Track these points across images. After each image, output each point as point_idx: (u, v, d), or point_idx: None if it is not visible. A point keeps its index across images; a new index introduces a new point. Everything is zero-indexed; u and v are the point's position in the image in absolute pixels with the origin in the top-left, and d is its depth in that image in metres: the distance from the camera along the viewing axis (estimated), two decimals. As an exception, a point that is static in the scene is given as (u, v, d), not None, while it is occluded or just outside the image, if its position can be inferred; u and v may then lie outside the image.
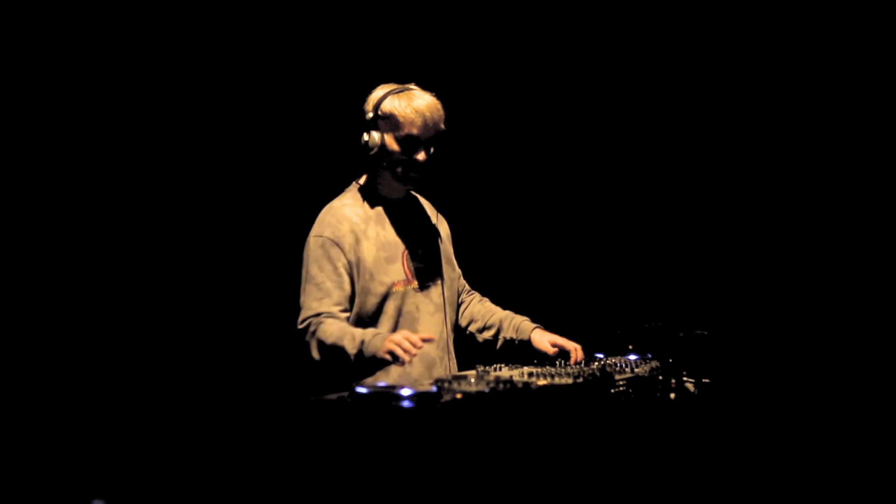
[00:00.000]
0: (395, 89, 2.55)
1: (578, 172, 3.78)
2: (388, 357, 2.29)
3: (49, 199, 3.16)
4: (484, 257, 3.03)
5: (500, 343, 2.75)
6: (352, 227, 2.53)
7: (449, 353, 2.67)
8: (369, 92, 2.60)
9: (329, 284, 2.47)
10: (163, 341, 3.28)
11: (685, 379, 2.34)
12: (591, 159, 3.77)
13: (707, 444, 2.40)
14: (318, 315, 2.45)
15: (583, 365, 2.51)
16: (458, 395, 1.99)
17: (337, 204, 2.59)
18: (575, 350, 2.64)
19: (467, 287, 2.92)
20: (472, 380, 2.13)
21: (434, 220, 2.78)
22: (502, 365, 2.48)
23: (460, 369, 2.66)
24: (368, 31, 3.59)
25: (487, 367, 2.45)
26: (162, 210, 3.34)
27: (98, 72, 3.23)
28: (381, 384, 2.07)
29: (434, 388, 2.02)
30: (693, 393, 2.36)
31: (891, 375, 3.18)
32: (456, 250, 2.82)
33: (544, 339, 2.70)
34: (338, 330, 2.41)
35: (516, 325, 2.77)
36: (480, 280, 2.96)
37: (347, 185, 2.68)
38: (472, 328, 2.83)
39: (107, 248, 3.24)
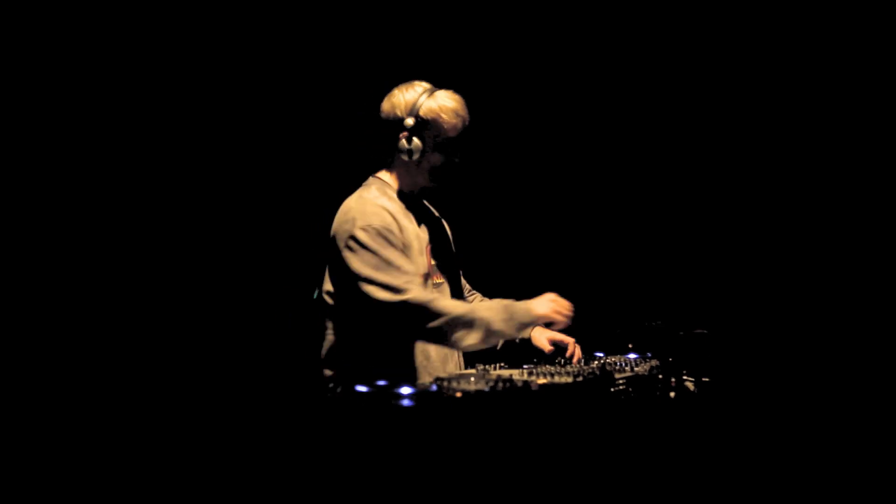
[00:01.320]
0: (423, 90, 2.58)
1: (578, 172, 3.78)
2: (542, 321, 2.41)
3: (54, 200, 3.16)
4: (484, 257, 3.04)
5: (500, 343, 2.76)
6: (392, 215, 2.54)
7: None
8: (380, 92, 2.63)
9: (404, 265, 2.47)
10: (162, 341, 3.28)
11: (685, 378, 2.34)
12: (591, 159, 3.77)
13: (707, 443, 2.39)
14: (425, 293, 2.45)
15: (582, 364, 2.51)
16: (458, 394, 1.99)
17: (368, 196, 2.59)
18: (572, 344, 2.64)
19: (468, 286, 2.93)
20: (472, 378, 2.13)
21: (441, 220, 2.82)
22: (502, 364, 2.49)
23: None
24: (360, 29, 3.59)
25: (487, 366, 2.45)
26: (163, 210, 3.34)
27: (101, 72, 3.23)
28: (382, 382, 2.07)
29: (434, 387, 2.02)
30: (693, 392, 2.36)
31: (891, 375, 3.18)
32: (456, 250, 2.85)
33: (542, 337, 2.72)
34: (462, 305, 2.45)
35: None
36: (481, 279, 2.97)
37: (360, 180, 2.69)
38: None
39: (108, 249, 3.24)
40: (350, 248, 2.48)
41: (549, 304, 2.46)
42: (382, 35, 3.60)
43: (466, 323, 2.40)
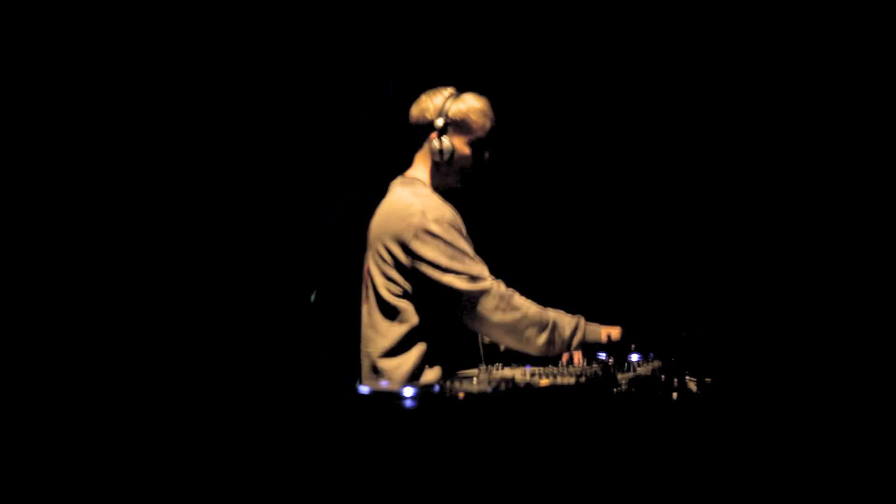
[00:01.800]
0: (449, 94, 2.69)
1: (578, 172, 3.77)
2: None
3: (53, 200, 3.15)
4: (485, 257, 3.03)
5: (503, 346, 2.76)
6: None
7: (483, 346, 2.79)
8: (410, 98, 2.74)
9: (475, 256, 2.59)
10: (161, 341, 3.27)
11: (688, 378, 2.34)
12: (591, 159, 3.77)
13: (709, 443, 2.39)
14: (499, 289, 2.55)
15: (585, 364, 2.51)
16: (461, 395, 1.99)
17: (424, 192, 2.69)
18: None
19: None
20: (475, 379, 2.12)
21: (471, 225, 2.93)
22: (504, 364, 2.49)
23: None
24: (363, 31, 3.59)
25: (490, 367, 2.45)
26: (163, 210, 3.33)
27: (101, 72, 3.22)
28: (385, 383, 2.07)
29: (436, 388, 2.02)
30: (695, 392, 2.36)
31: (891, 375, 3.18)
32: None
33: None
34: (536, 306, 2.56)
35: None
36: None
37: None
38: None
39: (107, 249, 3.23)
40: (423, 241, 2.56)
41: (616, 333, 2.62)
42: (383, 36, 3.60)
43: (541, 324, 2.54)
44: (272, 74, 3.48)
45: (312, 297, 3.11)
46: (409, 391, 1.97)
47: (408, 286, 2.61)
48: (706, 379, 2.39)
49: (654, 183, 3.72)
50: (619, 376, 2.28)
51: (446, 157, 2.66)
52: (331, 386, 2.61)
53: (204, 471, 3.02)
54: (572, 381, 2.20)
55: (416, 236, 2.57)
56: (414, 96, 2.77)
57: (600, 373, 2.26)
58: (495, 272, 3.08)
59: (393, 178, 2.79)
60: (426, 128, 2.70)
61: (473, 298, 2.53)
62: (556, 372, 2.32)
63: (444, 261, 2.54)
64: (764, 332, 3.28)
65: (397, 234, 2.60)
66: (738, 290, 3.45)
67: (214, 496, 2.97)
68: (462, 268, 2.54)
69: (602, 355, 2.65)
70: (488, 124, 2.69)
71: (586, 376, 2.24)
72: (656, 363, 2.51)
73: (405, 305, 2.62)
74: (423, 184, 2.73)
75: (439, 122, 2.66)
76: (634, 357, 2.60)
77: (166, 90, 3.31)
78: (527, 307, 2.55)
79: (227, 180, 3.44)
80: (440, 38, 3.64)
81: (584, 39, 3.73)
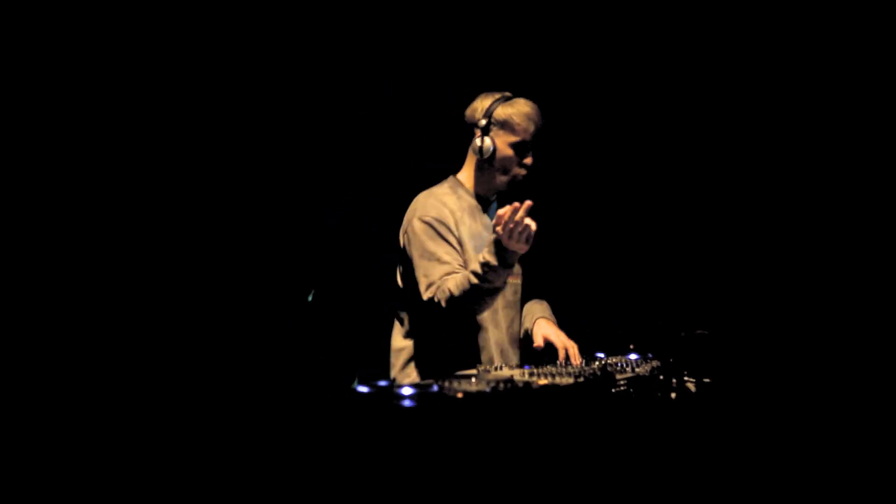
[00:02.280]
0: (500, 97, 2.77)
1: (578, 172, 3.77)
2: (507, 239, 2.41)
3: (53, 199, 3.15)
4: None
5: (521, 332, 2.87)
6: (451, 211, 2.72)
7: (518, 346, 2.84)
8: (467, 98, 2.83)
9: (447, 258, 2.63)
10: (161, 342, 3.27)
11: (686, 378, 2.35)
12: (590, 159, 3.77)
13: (708, 443, 2.39)
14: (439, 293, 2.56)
15: (583, 364, 2.51)
16: (459, 395, 1.99)
17: (437, 191, 2.80)
18: (563, 348, 2.68)
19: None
20: (473, 379, 2.13)
21: None
22: (503, 364, 2.50)
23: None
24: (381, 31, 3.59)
25: (488, 367, 2.46)
26: (163, 210, 3.33)
27: (101, 72, 3.22)
28: (383, 383, 2.07)
29: (435, 388, 2.02)
30: (694, 393, 2.36)
31: (891, 375, 3.18)
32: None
33: (538, 333, 2.78)
34: (461, 275, 2.55)
35: (532, 313, 2.90)
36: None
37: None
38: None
39: (107, 249, 3.23)
40: (407, 236, 2.70)
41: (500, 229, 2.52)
42: (383, 36, 3.60)
43: (462, 285, 2.51)
44: (272, 75, 3.48)
45: (310, 297, 3.11)
46: (407, 391, 1.97)
47: (406, 280, 2.70)
48: (704, 379, 2.39)
49: (652, 183, 3.72)
50: (618, 376, 2.29)
51: (486, 155, 2.74)
52: (330, 386, 2.62)
53: (204, 470, 3.03)
54: (571, 381, 2.20)
55: (404, 232, 2.72)
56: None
57: (598, 373, 2.26)
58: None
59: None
60: (473, 126, 2.79)
61: (433, 301, 2.56)
62: (554, 372, 2.32)
63: (415, 259, 2.65)
64: (762, 333, 3.28)
65: (403, 228, 2.76)
66: (737, 290, 3.45)
67: (214, 496, 2.97)
68: (421, 273, 2.61)
69: (601, 355, 2.66)
70: (532, 127, 2.75)
71: (585, 376, 2.24)
72: (655, 363, 2.52)
73: (402, 304, 2.73)
74: (455, 183, 2.83)
75: (483, 122, 2.74)
76: (633, 357, 2.60)
77: (166, 90, 3.30)
78: (456, 279, 2.52)
79: (227, 180, 3.43)
80: (440, 38, 3.64)
81: (585, 40, 3.72)
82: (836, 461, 2.98)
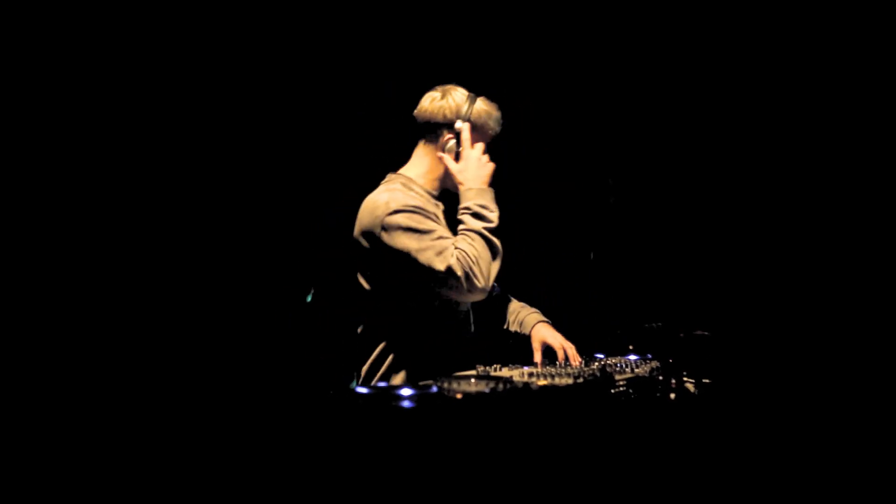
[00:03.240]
0: (468, 96, 2.68)
1: (578, 171, 3.77)
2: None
3: (53, 199, 3.15)
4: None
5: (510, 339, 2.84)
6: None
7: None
8: (412, 94, 2.76)
9: (443, 232, 2.54)
10: (161, 342, 3.27)
11: (685, 379, 2.34)
12: (590, 158, 3.77)
13: (707, 444, 2.39)
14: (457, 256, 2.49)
15: (583, 365, 2.51)
16: (458, 396, 1.99)
17: (393, 189, 2.64)
18: (561, 349, 2.66)
19: None
20: (473, 380, 2.13)
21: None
22: (502, 365, 2.49)
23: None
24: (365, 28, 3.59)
25: (487, 367, 2.45)
26: (163, 211, 3.33)
27: (102, 72, 3.22)
28: (382, 384, 2.07)
29: (434, 388, 2.02)
30: (693, 393, 2.36)
31: (891, 375, 3.18)
32: None
33: (536, 338, 2.76)
34: (459, 238, 2.53)
35: (521, 319, 2.84)
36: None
37: (362, 180, 2.80)
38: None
39: (108, 250, 3.23)
40: (390, 232, 2.51)
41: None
42: (383, 36, 3.60)
43: (481, 231, 2.53)
44: (272, 75, 3.48)
45: (309, 297, 3.11)
46: (406, 391, 1.97)
47: (383, 280, 2.58)
48: (704, 380, 2.40)
49: (651, 183, 3.72)
50: (617, 377, 2.29)
51: (450, 153, 2.65)
52: (330, 386, 2.62)
53: (203, 470, 3.03)
54: (570, 381, 2.20)
55: (381, 230, 2.53)
56: (413, 96, 2.77)
57: (598, 374, 2.26)
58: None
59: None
60: (440, 126, 2.67)
61: (452, 273, 2.45)
62: (553, 373, 2.32)
63: (414, 246, 2.48)
64: (761, 333, 3.28)
65: (370, 231, 2.56)
66: (736, 291, 3.45)
67: (214, 495, 2.97)
68: (424, 258, 2.47)
69: (600, 356, 2.66)
70: (497, 131, 2.71)
71: (584, 377, 2.25)
72: (654, 364, 2.52)
73: (372, 306, 2.62)
74: (407, 182, 2.69)
75: (458, 123, 2.64)
76: (632, 357, 2.60)
77: (166, 91, 3.30)
78: (464, 246, 2.49)
79: (227, 180, 3.43)
80: (439, 38, 3.64)
81: (582, 40, 3.72)
82: (836, 461, 2.98)
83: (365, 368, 2.65)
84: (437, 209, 2.70)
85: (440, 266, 2.45)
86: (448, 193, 2.76)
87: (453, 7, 3.65)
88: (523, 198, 3.82)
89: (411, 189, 2.67)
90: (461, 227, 2.55)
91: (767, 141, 3.52)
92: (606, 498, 2.17)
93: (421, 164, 2.73)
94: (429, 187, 2.72)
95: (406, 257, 2.49)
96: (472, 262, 2.46)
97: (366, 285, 2.61)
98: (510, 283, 3.25)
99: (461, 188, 2.61)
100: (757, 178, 3.53)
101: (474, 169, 2.62)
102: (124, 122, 3.27)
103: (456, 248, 2.48)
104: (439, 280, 2.47)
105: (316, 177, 3.53)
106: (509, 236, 3.76)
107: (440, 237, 2.50)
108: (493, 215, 2.56)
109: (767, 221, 3.49)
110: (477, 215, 2.55)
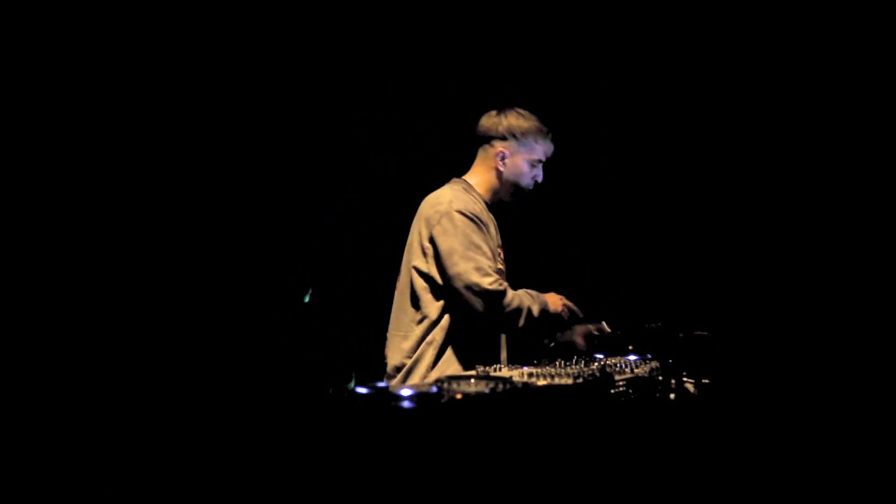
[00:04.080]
0: (521, 112, 2.89)
1: (578, 171, 3.77)
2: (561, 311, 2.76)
3: (53, 200, 3.15)
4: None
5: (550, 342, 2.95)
6: (480, 211, 2.81)
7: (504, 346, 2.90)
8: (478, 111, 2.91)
9: (490, 254, 2.71)
10: (161, 342, 3.27)
11: (685, 379, 2.34)
12: (591, 158, 3.77)
13: (707, 444, 2.39)
14: (501, 281, 2.68)
15: (583, 365, 2.52)
16: (458, 396, 1.99)
17: (456, 190, 2.82)
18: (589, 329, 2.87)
19: None
20: (473, 380, 2.13)
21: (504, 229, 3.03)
22: (502, 365, 2.50)
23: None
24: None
25: (487, 368, 2.46)
26: (165, 210, 3.33)
27: (105, 72, 3.22)
28: (381, 384, 2.07)
29: (434, 389, 2.02)
30: (693, 394, 2.36)
31: (891, 375, 3.18)
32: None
33: (578, 333, 2.91)
34: (525, 296, 2.71)
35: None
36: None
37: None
38: None
39: (107, 250, 3.23)
40: (443, 227, 2.69)
41: (558, 301, 2.79)
42: (383, 36, 3.60)
43: (521, 311, 2.68)
44: (272, 75, 3.48)
45: (307, 297, 3.11)
46: (406, 391, 1.97)
47: (433, 277, 2.72)
48: (703, 380, 2.40)
49: (651, 184, 3.72)
50: (617, 377, 2.29)
51: (503, 167, 2.84)
52: (330, 386, 2.62)
53: (203, 470, 3.03)
54: (570, 381, 2.20)
55: (438, 222, 2.69)
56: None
57: (598, 374, 2.26)
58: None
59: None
60: (493, 139, 2.87)
61: (482, 293, 2.62)
62: (553, 373, 2.32)
63: (459, 249, 2.65)
64: (761, 334, 3.28)
65: (427, 219, 2.73)
66: (735, 291, 3.45)
67: (214, 495, 2.97)
68: (466, 261, 2.63)
69: (600, 356, 2.66)
70: (550, 150, 2.90)
71: (584, 377, 2.25)
72: (654, 364, 2.51)
73: (428, 298, 2.72)
74: (467, 187, 2.87)
75: (508, 138, 2.85)
76: (632, 358, 2.61)
77: (167, 91, 3.31)
78: (518, 301, 2.68)
79: (227, 181, 3.44)
80: (440, 38, 3.64)
81: (585, 41, 3.72)
82: (835, 461, 2.98)
83: (426, 359, 2.74)
84: (491, 221, 2.85)
85: (473, 278, 2.62)
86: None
87: (454, 7, 3.65)
88: (525, 198, 3.83)
89: (470, 194, 2.83)
90: (529, 292, 2.73)
91: (767, 141, 3.52)
92: (606, 498, 2.17)
93: (480, 174, 2.91)
94: (486, 197, 2.88)
95: (449, 255, 2.66)
96: (510, 305, 2.65)
97: (420, 279, 2.74)
98: (510, 282, 3.25)
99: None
100: (756, 179, 3.53)
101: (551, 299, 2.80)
102: (125, 124, 3.28)
103: (512, 289, 2.69)
104: (466, 288, 2.63)
105: (316, 177, 3.53)
106: (511, 236, 3.78)
107: (485, 255, 2.67)
108: (535, 311, 2.72)
109: (767, 222, 3.49)
110: (542, 307, 2.74)
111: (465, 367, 2.67)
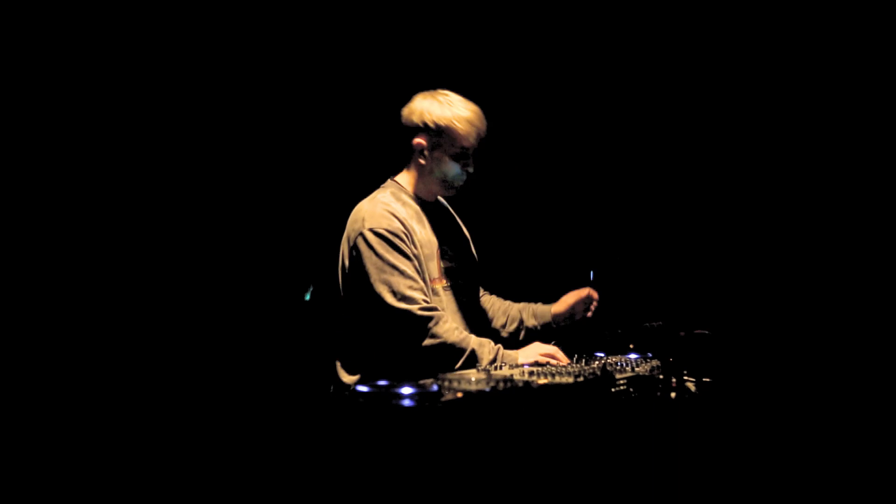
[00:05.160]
0: (440, 98, 2.61)
1: (578, 171, 3.77)
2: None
3: (54, 200, 3.15)
4: (486, 257, 3.04)
5: (522, 334, 2.85)
6: (402, 220, 2.57)
7: None
8: (402, 97, 2.68)
9: (410, 271, 2.50)
10: (161, 342, 3.27)
11: (686, 378, 2.34)
12: (591, 158, 3.77)
13: (708, 443, 2.39)
14: (427, 307, 2.47)
15: (584, 364, 2.51)
16: (459, 394, 1.99)
17: (381, 199, 2.62)
18: (590, 293, 2.79)
19: (482, 290, 2.97)
20: (473, 379, 2.12)
21: (459, 223, 2.87)
22: (503, 364, 2.49)
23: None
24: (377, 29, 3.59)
25: (488, 366, 2.45)
26: (165, 210, 3.33)
27: (109, 72, 3.22)
28: (383, 382, 2.06)
29: (435, 387, 2.02)
30: (694, 392, 2.36)
31: (891, 375, 3.18)
32: (475, 253, 2.91)
33: (562, 304, 2.84)
34: (458, 333, 2.48)
35: (533, 311, 2.89)
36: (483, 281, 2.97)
37: (365, 182, 2.76)
38: (495, 324, 2.91)
39: (108, 250, 3.24)
40: (358, 249, 2.52)
41: (535, 354, 2.54)
42: (383, 36, 3.59)
43: (457, 351, 2.46)
44: (272, 75, 3.48)
45: (307, 296, 3.10)
46: (407, 390, 1.97)
47: (351, 291, 2.58)
48: (704, 379, 2.39)
49: (651, 183, 3.72)
50: (618, 376, 2.29)
51: (422, 160, 2.63)
52: (330, 384, 2.61)
53: (203, 470, 3.03)
54: (570, 380, 2.20)
55: (354, 244, 2.54)
56: (412, 96, 2.76)
57: (598, 373, 2.26)
58: (493, 274, 3.10)
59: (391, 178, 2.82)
60: (412, 130, 2.64)
61: (398, 315, 2.46)
62: (554, 371, 2.32)
63: (373, 272, 2.48)
64: (762, 332, 3.28)
65: (347, 237, 2.60)
66: (736, 290, 3.45)
67: (214, 495, 2.97)
68: (389, 281, 2.47)
69: (600, 354, 2.66)
70: (474, 135, 2.61)
71: (584, 376, 2.24)
72: (655, 362, 2.51)
73: (350, 311, 2.60)
74: (397, 188, 2.67)
75: (421, 126, 2.61)
76: (633, 356, 2.60)
77: (167, 92, 3.31)
78: (447, 335, 2.47)
79: (227, 181, 3.44)
80: (440, 38, 3.64)
81: (580, 40, 3.72)
82: (836, 461, 2.98)
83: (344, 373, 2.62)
84: (423, 222, 2.65)
85: (389, 300, 2.46)
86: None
87: (454, 7, 3.65)
88: (523, 198, 3.83)
89: (400, 199, 2.64)
90: (473, 340, 2.51)
91: (767, 141, 3.52)
92: (607, 497, 2.17)
93: (408, 171, 2.71)
94: (420, 194, 2.70)
95: (365, 278, 2.50)
96: (440, 339, 2.46)
97: (341, 288, 2.62)
98: (513, 284, 3.25)
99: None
100: (756, 178, 3.53)
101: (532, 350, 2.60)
102: (125, 124, 3.28)
103: (444, 321, 2.48)
104: (385, 310, 2.47)
105: (316, 177, 3.53)
106: (510, 235, 3.77)
107: (402, 275, 2.48)
108: (485, 364, 2.50)
109: (767, 220, 3.49)
110: (492, 361, 2.51)
111: None
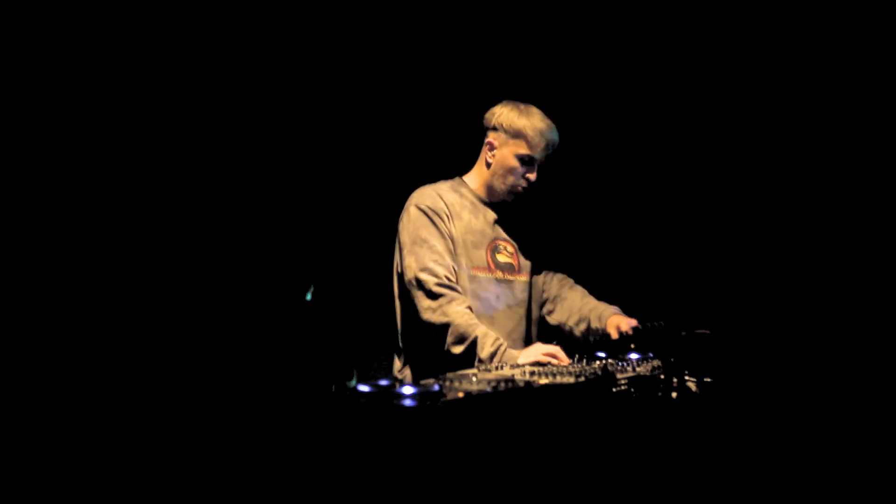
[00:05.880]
0: (521, 106, 2.81)
1: (579, 171, 3.77)
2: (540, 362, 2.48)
3: (55, 200, 3.15)
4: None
5: (592, 337, 2.90)
6: (448, 204, 2.76)
7: (521, 347, 2.78)
8: (486, 104, 2.87)
9: (440, 247, 2.66)
10: (162, 342, 3.27)
11: (687, 378, 2.34)
12: (591, 158, 3.77)
13: (709, 443, 2.39)
14: (447, 284, 2.60)
15: (585, 364, 2.52)
16: (461, 394, 1.99)
17: (438, 185, 2.84)
18: (627, 322, 2.77)
19: (569, 280, 3.07)
20: (475, 379, 2.12)
21: (526, 223, 2.99)
22: (503, 363, 2.49)
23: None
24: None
25: (489, 366, 2.45)
26: (166, 210, 3.33)
27: (113, 72, 3.21)
28: (384, 382, 2.06)
29: (436, 387, 2.02)
30: (695, 392, 2.36)
31: (891, 375, 3.18)
32: (544, 251, 3.06)
33: (612, 325, 2.84)
34: (468, 318, 2.56)
35: (599, 313, 2.93)
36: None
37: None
38: (569, 323, 2.97)
39: (108, 250, 3.23)
40: (402, 222, 2.74)
41: (536, 353, 2.56)
42: (383, 36, 3.60)
43: (461, 335, 2.55)
44: (273, 75, 3.48)
45: (309, 295, 3.11)
46: (408, 390, 1.96)
47: (398, 272, 2.76)
48: (706, 379, 2.39)
49: (652, 183, 3.72)
50: (619, 376, 2.29)
51: (490, 160, 2.80)
52: (332, 384, 2.62)
53: (203, 470, 3.03)
54: (571, 380, 2.20)
55: (400, 218, 2.76)
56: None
57: (600, 373, 2.26)
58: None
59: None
60: (488, 130, 2.83)
61: (415, 286, 2.62)
62: (555, 371, 2.32)
63: (407, 242, 2.68)
64: (763, 332, 3.28)
65: (401, 215, 2.80)
66: (737, 290, 3.45)
67: (214, 495, 2.97)
68: (410, 256, 2.64)
69: (602, 354, 2.66)
70: (542, 144, 2.76)
71: (586, 376, 2.24)
72: (656, 363, 2.51)
73: (397, 306, 2.77)
74: (459, 182, 2.86)
75: (494, 130, 2.80)
76: (634, 356, 2.60)
77: (167, 92, 3.30)
78: (456, 317, 2.56)
79: (228, 181, 3.43)
80: (440, 39, 3.64)
81: (587, 41, 3.72)
82: (836, 461, 2.98)
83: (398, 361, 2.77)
84: (478, 211, 2.80)
85: (413, 268, 2.62)
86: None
87: (455, 8, 3.65)
88: (525, 198, 3.83)
89: (457, 190, 2.82)
90: (480, 329, 2.55)
91: (767, 141, 3.52)
92: (608, 497, 2.17)
93: (476, 170, 2.89)
94: (481, 194, 2.85)
95: (400, 251, 2.71)
96: (440, 316, 2.56)
97: (395, 284, 2.79)
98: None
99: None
100: (757, 178, 3.53)
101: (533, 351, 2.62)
102: (125, 124, 3.28)
103: (459, 302, 2.57)
104: (408, 283, 2.64)
105: (316, 177, 3.53)
106: (512, 236, 3.76)
107: (430, 249, 2.63)
108: (484, 355, 2.54)
109: (768, 220, 3.49)
110: (492, 354, 2.54)
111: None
